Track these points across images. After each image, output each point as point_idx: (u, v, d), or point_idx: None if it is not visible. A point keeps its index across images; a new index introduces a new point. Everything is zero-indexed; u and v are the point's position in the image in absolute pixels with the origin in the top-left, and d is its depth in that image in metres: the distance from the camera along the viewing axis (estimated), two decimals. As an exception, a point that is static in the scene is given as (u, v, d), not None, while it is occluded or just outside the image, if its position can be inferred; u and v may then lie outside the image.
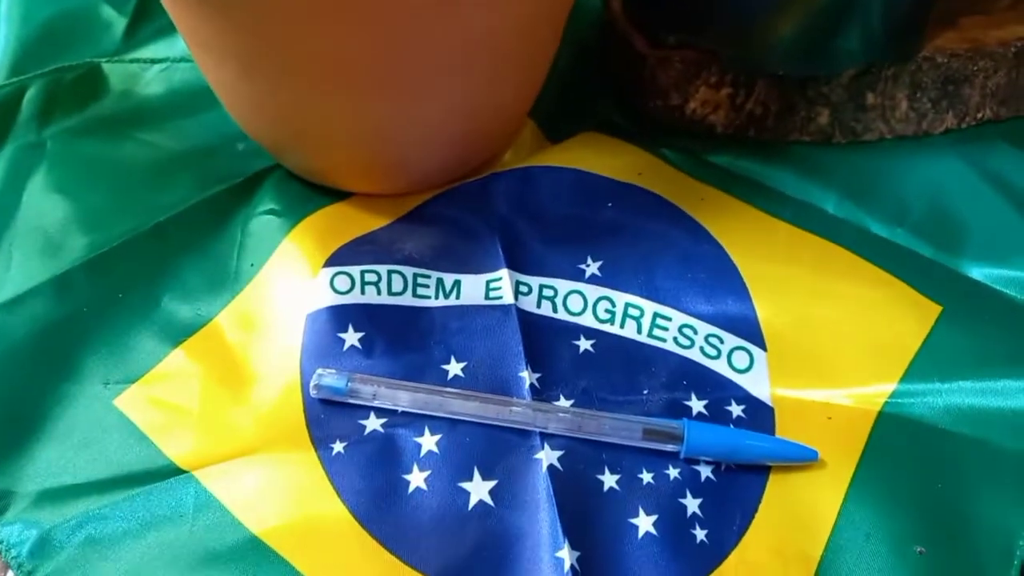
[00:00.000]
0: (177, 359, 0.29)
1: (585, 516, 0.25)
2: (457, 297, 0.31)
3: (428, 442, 0.27)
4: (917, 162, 0.38)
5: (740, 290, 0.31)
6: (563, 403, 0.28)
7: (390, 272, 0.31)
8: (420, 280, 0.31)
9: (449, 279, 0.31)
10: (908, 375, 0.28)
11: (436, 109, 0.32)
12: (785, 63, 0.37)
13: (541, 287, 0.31)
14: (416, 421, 0.28)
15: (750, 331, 0.30)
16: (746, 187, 0.35)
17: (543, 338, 0.30)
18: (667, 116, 0.39)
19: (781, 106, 0.38)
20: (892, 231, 0.35)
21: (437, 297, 0.31)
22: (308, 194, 0.35)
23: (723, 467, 0.27)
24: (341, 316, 0.29)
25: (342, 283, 0.30)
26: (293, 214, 0.33)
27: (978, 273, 0.33)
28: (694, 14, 0.38)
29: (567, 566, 0.24)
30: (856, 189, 0.37)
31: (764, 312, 0.30)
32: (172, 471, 0.27)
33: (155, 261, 0.32)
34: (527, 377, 0.28)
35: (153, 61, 0.41)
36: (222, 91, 0.33)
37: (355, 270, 0.31)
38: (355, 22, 0.27)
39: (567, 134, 0.39)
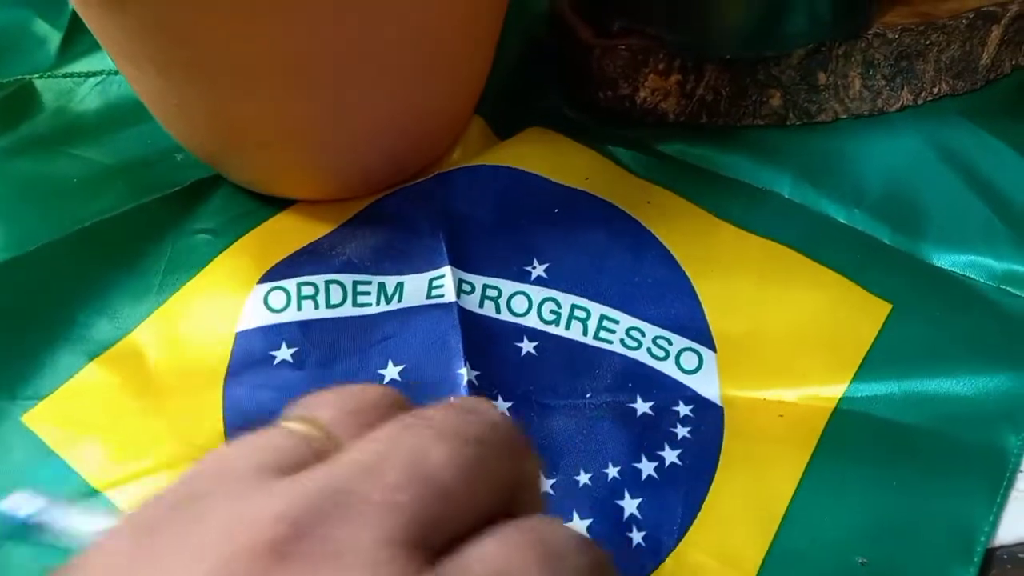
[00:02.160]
0: (90, 374, 0.28)
1: None
2: (399, 300, 0.30)
3: None
4: (873, 141, 0.37)
5: (689, 294, 0.30)
6: (501, 404, 0.27)
7: (328, 283, 0.30)
8: (360, 288, 0.30)
9: (391, 283, 0.31)
10: (861, 374, 0.28)
11: (371, 112, 0.31)
12: (732, 45, 0.36)
13: (485, 287, 0.30)
14: None
15: (699, 333, 0.29)
16: (695, 182, 0.34)
17: (484, 338, 0.29)
18: (617, 106, 0.38)
19: (732, 90, 0.37)
20: (850, 213, 0.34)
21: (379, 303, 0.30)
22: (248, 207, 0.34)
23: (667, 464, 0.26)
24: (274, 334, 0.28)
25: (277, 300, 0.29)
26: (230, 232, 0.32)
27: (937, 258, 0.32)
28: (635, 3, 0.37)
29: None
30: (812, 171, 0.36)
31: (713, 315, 0.29)
32: (84, 492, 0.26)
33: (74, 273, 0.31)
34: (465, 374, 0.27)
35: (88, 75, 0.40)
36: (148, 100, 0.32)
37: (291, 284, 0.30)
38: (264, 19, 0.26)
39: (516, 130, 0.38)
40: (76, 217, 0.33)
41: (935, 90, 0.39)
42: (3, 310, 0.29)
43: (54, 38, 0.42)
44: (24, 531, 0.19)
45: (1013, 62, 0.41)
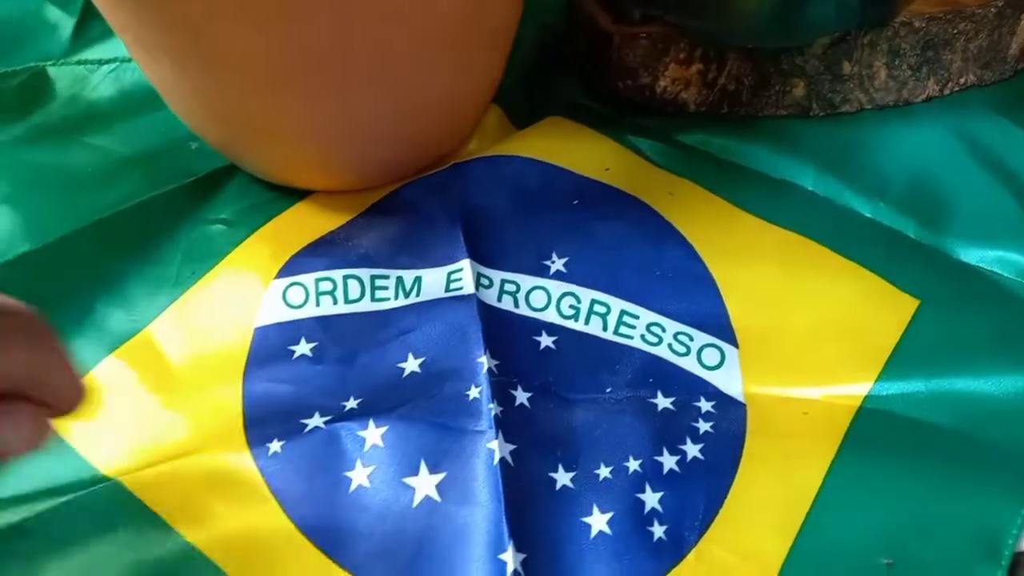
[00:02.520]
0: (108, 368, 0.28)
1: (534, 516, 0.24)
2: (417, 295, 0.30)
3: (373, 435, 0.26)
4: (899, 133, 0.36)
5: (710, 288, 0.29)
6: (520, 394, 0.27)
7: (346, 278, 0.30)
8: (378, 283, 0.30)
9: (409, 276, 0.30)
10: (887, 371, 0.27)
11: (389, 104, 0.30)
12: (755, 35, 0.35)
13: (503, 281, 0.30)
14: (361, 414, 0.26)
15: (721, 328, 0.28)
16: (717, 173, 0.34)
17: (503, 331, 0.28)
18: (637, 96, 0.38)
19: (755, 80, 0.37)
20: (874, 206, 0.33)
21: (397, 297, 0.30)
22: (265, 197, 0.33)
23: (689, 458, 0.26)
24: (293, 330, 0.28)
25: (296, 296, 0.29)
26: (246, 224, 0.32)
27: (964, 253, 0.31)
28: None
29: (510, 570, 0.23)
30: (835, 162, 0.35)
31: (735, 310, 0.29)
32: (98, 479, 0.26)
33: (91, 265, 0.31)
34: (485, 362, 0.27)
35: (101, 62, 0.39)
36: (163, 90, 0.32)
37: (309, 279, 0.29)
38: (270, 18, 0.25)
39: (534, 119, 0.37)
40: (92, 208, 0.32)
41: (962, 80, 0.38)
42: (25, 294, 0.29)
43: (67, 24, 0.41)
44: None
45: (1042, 51, 0.40)
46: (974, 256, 0.31)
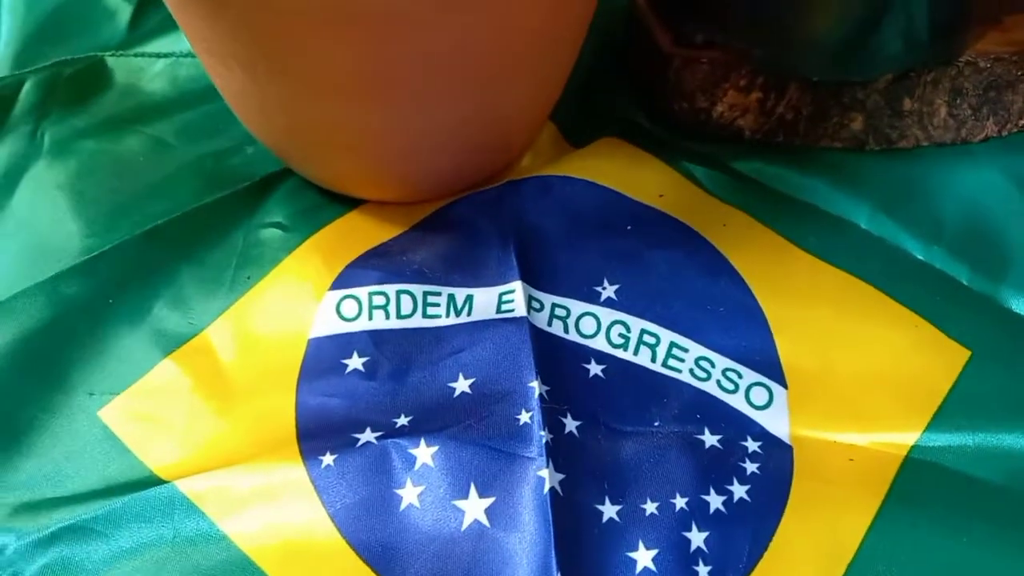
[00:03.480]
0: (165, 371, 0.28)
1: (581, 547, 0.25)
2: (469, 314, 0.30)
3: (424, 454, 0.26)
4: (955, 173, 0.36)
5: (761, 325, 0.29)
6: (570, 422, 0.27)
7: (399, 293, 0.30)
8: (430, 299, 0.30)
9: (461, 295, 0.30)
10: (936, 422, 0.27)
11: (448, 119, 0.30)
12: (820, 67, 0.35)
13: (554, 306, 0.30)
14: (412, 431, 0.27)
15: (770, 367, 0.29)
16: (772, 206, 0.34)
17: (553, 357, 0.29)
18: (693, 119, 0.38)
19: (813, 111, 0.36)
20: (928, 249, 0.33)
21: (448, 315, 0.30)
22: (319, 203, 0.34)
23: (736, 499, 0.26)
24: (346, 343, 0.28)
25: (349, 309, 0.29)
26: (300, 229, 0.32)
27: (1016, 303, 0.31)
28: (723, 9, 0.36)
29: None
30: (890, 201, 0.35)
31: (785, 349, 0.29)
32: (153, 482, 0.26)
33: (149, 266, 0.31)
34: (536, 387, 0.27)
35: (158, 55, 0.40)
36: (227, 94, 0.32)
37: (363, 292, 0.30)
38: (357, 31, 0.25)
39: (589, 138, 0.37)
40: (146, 208, 0.33)
41: (1021, 122, 0.38)
42: (83, 306, 0.29)
43: (125, 11, 0.42)
44: None
45: (1104, 96, 0.39)
46: (1027, 307, 0.31)
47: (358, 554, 0.25)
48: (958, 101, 0.37)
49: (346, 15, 0.25)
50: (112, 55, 0.40)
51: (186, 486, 0.26)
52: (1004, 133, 0.38)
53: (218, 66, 0.29)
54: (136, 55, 0.40)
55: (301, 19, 0.25)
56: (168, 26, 0.41)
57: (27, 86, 0.38)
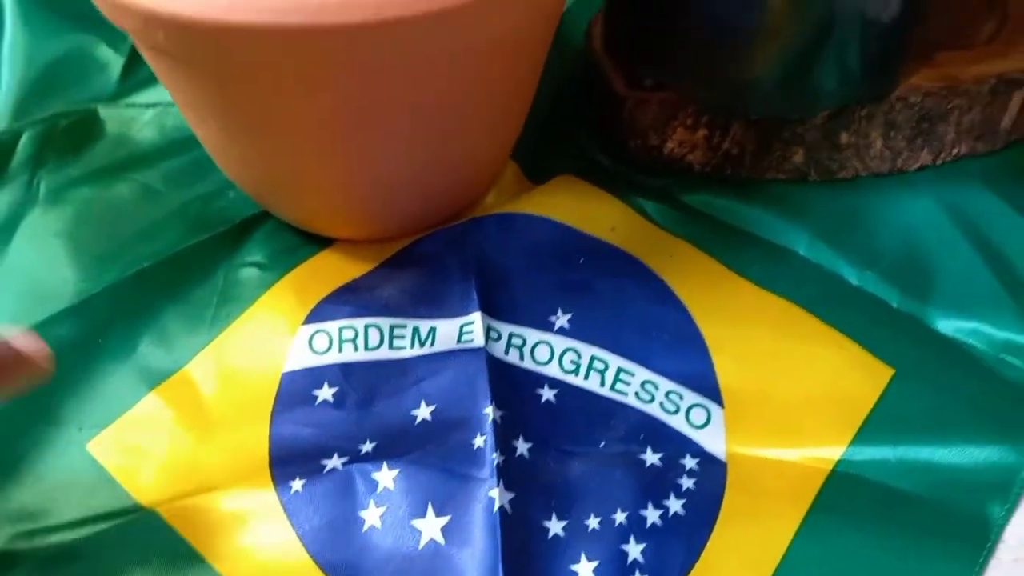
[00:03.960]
0: (149, 404, 0.31)
1: (528, 561, 0.27)
2: (432, 344, 0.32)
3: (385, 478, 0.28)
4: (891, 201, 0.39)
5: (701, 349, 0.32)
6: (521, 444, 0.29)
7: (367, 326, 0.32)
8: (396, 332, 0.33)
9: (425, 326, 0.33)
10: (860, 437, 0.30)
11: (413, 168, 0.33)
12: (758, 107, 0.37)
13: (511, 335, 0.33)
14: (376, 457, 0.29)
15: (709, 389, 0.31)
16: (717, 236, 0.36)
17: (508, 384, 0.31)
18: (646, 155, 0.40)
19: (757, 146, 0.39)
20: (862, 274, 0.35)
21: (413, 346, 0.32)
22: (295, 243, 0.36)
23: (671, 513, 0.29)
24: (317, 375, 0.31)
25: (320, 343, 0.32)
26: (277, 267, 0.35)
27: (942, 323, 0.34)
28: (668, 58, 0.38)
29: None
30: (829, 229, 0.37)
31: (723, 371, 0.31)
32: (137, 509, 0.28)
33: (137, 307, 0.34)
34: (491, 413, 0.29)
35: (147, 106, 0.42)
36: (206, 144, 0.34)
37: (334, 327, 0.32)
38: (324, 92, 0.28)
39: (549, 174, 0.39)
40: (138, 255, 0.35)
41: (955, 151, 0.41)
42: (74, 346, 0.32)
43: (116, 64, 0.44)
44: None
45: (1035, 124, 0.42)
46: (951, 327, 0.33)
47: (325, 573, 0.27)
48: (892, 134, 0.39)
49: (312, 78, 0.27)
50: (104, 106, 0.43)
51: (167, 512, 0.28)
52: (938, 162, 0.41)
53: (195, 120, 0.32)
54: (127, 105, 0.43)
55: (269, 83, 0.27)
56: (156, 77, 0.44)
57: (24, 138, 0.41)
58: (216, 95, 0.30)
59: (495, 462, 0.28)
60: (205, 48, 0.26)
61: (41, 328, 0.32)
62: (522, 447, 0.29)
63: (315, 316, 0.33)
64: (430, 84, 0.29)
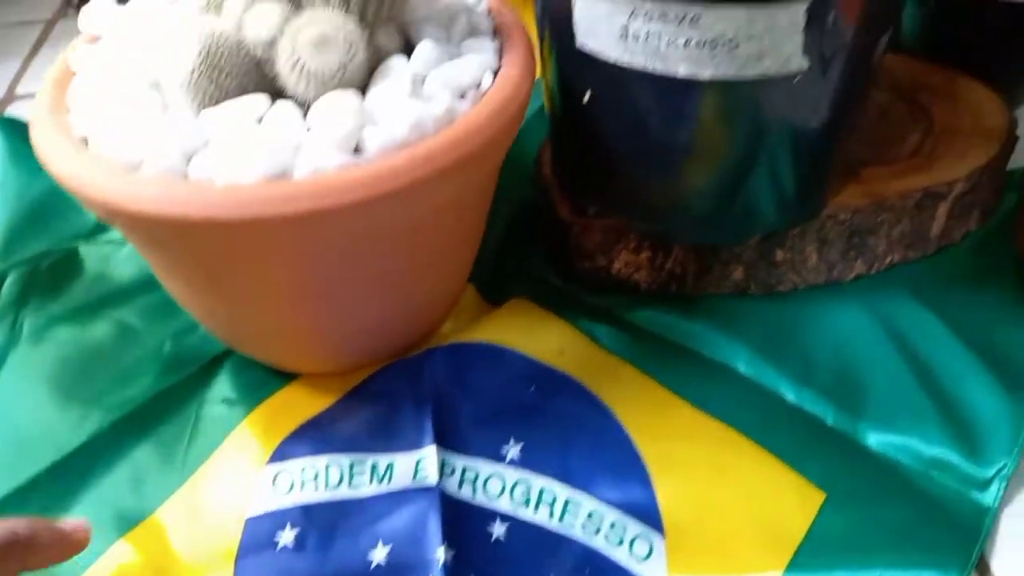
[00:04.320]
0: (119, 552, 0.32)
1: None
2: (389, 481, 0.34)
3: None
4: (826, 313, 0.41)
5: (643, 478, 0.33)
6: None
7: (328, 465, 0.34)
8: (356, 468, 0.34)
9: (383, 462, 0.35)
10: (793, 563, 0.31)
11: (368, 315, 0.35)
12: (689, 236, 0.40)
13: (464, 469, 0.34)
14: None
15: (651, 519, 0.32)
16: (661, 357, 0.38)
17: (460, 523, 0.33)
18: (594, 275, 0.42)
19: (698, 266, 0.41)
20: (799, 391, 0.37)
21: (371, 483, 0.34)
22: (261, 378, 0.38)
23: None
24: (280, 518, 0.33)
25: (283, 483, 0.34)
26: (245, 403, 0.37)
27: (873, 438, 0.35)
28: (603, 189, 0.41)
29: None
30: (767, 344, 0.39)
31: (664, 498, 0.33)
32: None
33: (114, 455, 0.36)
34: (441, 556, 0.31)
35: (124, 242, 0.45)
36: (176, 297, 0.37)
37: (296, 467, 0.34)
38: (273, 266, 0.30)
39: (505, 295, 0.42)
40: (117, 402, 0.37)
41: (888, 260, 0.43)
42: (54, 501, 0.34)
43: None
44: None
45: (963, 230, 0.44)
46: (881, 442, 0.35)
47: None
48: (826, 249, 0.41)
49: (261, 259, 0.30)
50: (85, 242, 0.45)
51: None
52: (873, 271, 0.43)
53: (164, 277, 0.34)
54: (105, 242, 0.45)
55: (221, 263, 0.30)
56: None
57: (9, 280, 0.43)
58: (176, 268, 0.32)
59: None
60: (160, 236, 0.29)
61: (20, 492, 0.34)
62: None
63: (279, 455, 0.35)
64: (373, 255, 0.32)
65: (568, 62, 0.35)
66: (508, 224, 0.45)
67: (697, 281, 0.42)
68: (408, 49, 0.32)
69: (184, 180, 0.27)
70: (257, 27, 0.29)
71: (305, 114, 0.29)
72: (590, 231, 0.41)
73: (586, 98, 0.35)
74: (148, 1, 0.33)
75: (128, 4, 0.33)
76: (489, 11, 0.35)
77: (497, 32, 0.34)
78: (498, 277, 0.43)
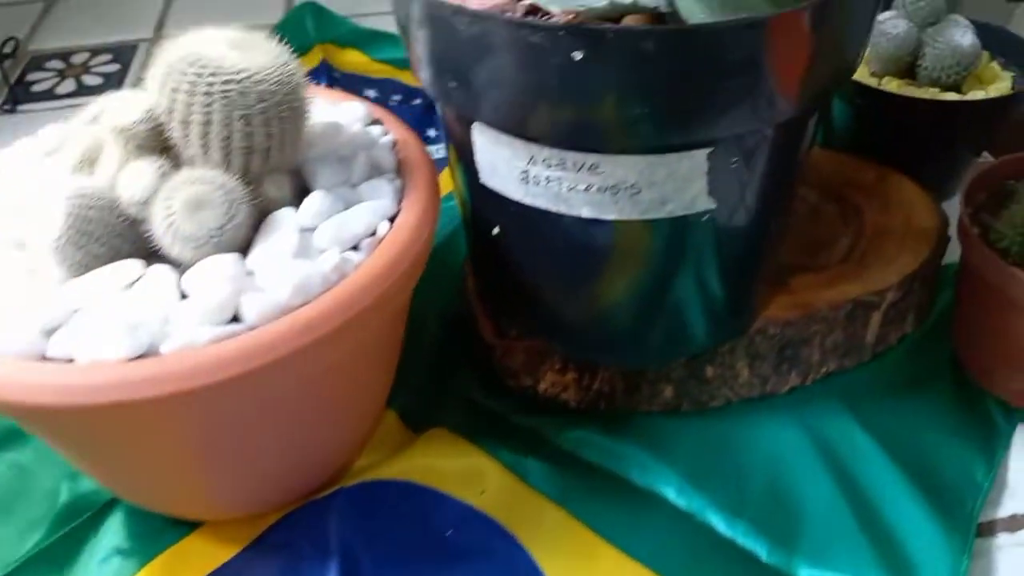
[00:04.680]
0: None
1: None
2: None
3: None
4: (760, 431, 0.39)
5: None
6: None
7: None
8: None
9: None
10: None
11: (271, 467, 0.33)
12: (613, 360, 0.38)
13: None
14: None
15: None
16: (588, 492, 0.36)
17: None
18: (522, 394, 0.41)
19: (626, 385, 0.40)
20: (732, 524, 0.36)
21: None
22: (156, 524, 0.36)
23: None
24: None
25: None
26: (140, 553, 0.34)
27: (806, 572, 0.34)
28: (521, 313, 0.39)
29: None
30: (699, 466, 0.38)
31: None
32: None
33: None
34: None
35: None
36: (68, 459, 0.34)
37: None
38: (161, 434, 0.28)
39: (430, 417, 0.40)
40: (14, 556, 0.35)
41: (823, 370, 0.41)
42: None
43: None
44: None
45: (899, 333, 0.43)
46: (818, 582, 0.34)
47: None
48: (757, 363, 0.40)
49: (147, 430, 0.28)
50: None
51: None
52: (808, 382, 0.41)
53: (55, 445, 0.32)
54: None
55: (107, 439, 0.28)
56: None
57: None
58: (51, 442, 0.30)
59: None
60: (21, 418, 0.27)
61: None
62: None
63: (175, 623, 0.32)
64: (263, 418, 0.30)
65: (476, 195, 0.34)
66: (435, 338, 0.43)
67: (627, 399, 0.40)
68: (303, 192, 0.30)
69: (39, 362, 0.25)
70: (131, 187, 0.27)
71: (182, 275, 0.27)
72: (513, 352, 0.40)
73: (495, 231, 0.33)
74: (21, 154, 0.31)
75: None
76: (394, 144, 0.34)
77: (400, 169, 0.33)
78: (423, 397, 0.41)
